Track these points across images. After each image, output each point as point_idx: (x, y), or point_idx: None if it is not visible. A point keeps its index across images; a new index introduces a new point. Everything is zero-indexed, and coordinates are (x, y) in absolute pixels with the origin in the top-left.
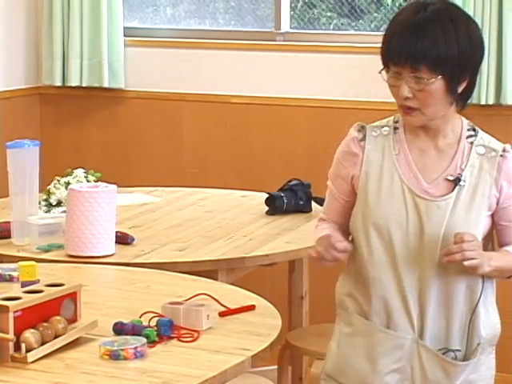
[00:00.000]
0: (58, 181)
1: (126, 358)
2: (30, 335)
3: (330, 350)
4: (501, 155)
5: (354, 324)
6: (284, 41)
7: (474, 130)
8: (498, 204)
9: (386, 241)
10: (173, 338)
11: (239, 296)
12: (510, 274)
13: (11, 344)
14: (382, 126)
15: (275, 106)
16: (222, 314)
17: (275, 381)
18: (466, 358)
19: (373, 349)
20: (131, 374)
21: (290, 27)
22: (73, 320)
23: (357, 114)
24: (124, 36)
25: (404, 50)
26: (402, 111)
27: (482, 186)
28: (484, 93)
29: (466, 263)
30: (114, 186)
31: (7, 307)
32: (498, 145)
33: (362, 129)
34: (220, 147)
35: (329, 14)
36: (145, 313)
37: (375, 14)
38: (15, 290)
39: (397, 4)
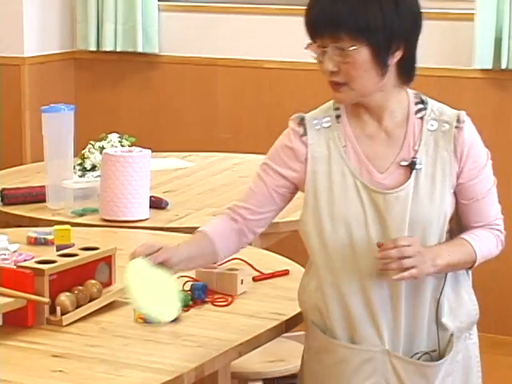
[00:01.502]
0: (93, 145)
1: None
2: (65, 298)
3: (302, 362)
4: (456, 127)
5: (318, 339)
6: None
7: (423, 101)
8: (458, 180)
9: (346, 245)
10: (207, 302)
11: (273, 261)
12: (468, 266)
13: (46, 307)
14: (324, 117)
15: (308, 70)
16: (255, 279)
17: None
18: (441, 356)
19: (340, 366)
20: (165, 338)
21: None
22: (107, 284)
23: None
24: (158, 1)
25: (322, 16)
26: (332, 88)
27: (440, 166)
28: (505, 57)
29: (404, 274)
30: (148, 151)
31: (43, 270)
32: (451, 115)
33: (301, 121)
34: (253, 112)
35: None
36: (179, 277)
37: None
38: (50, 253)
39: None
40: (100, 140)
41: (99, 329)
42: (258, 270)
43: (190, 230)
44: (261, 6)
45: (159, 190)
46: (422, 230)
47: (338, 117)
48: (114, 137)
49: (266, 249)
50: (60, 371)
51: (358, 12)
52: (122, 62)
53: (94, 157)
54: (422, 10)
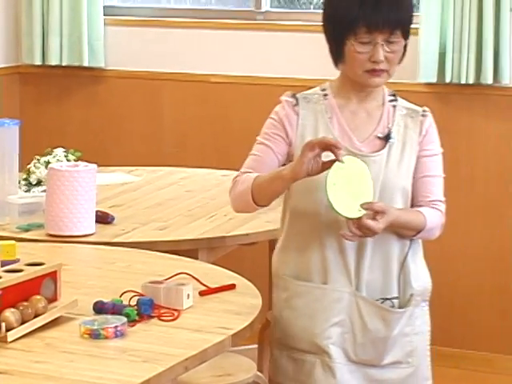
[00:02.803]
0: (38, 160)
1: (106, 337)
2: (10, 314)
3: (273, 319)
4: (422, 115)
5: (290, 288)
6: (264, 20)
7: (394, 95)
8: (416, 157)
9: (327, 198)
10: (153, 317)
11: (220, 275)
12: (417, 229)
13: None
14: (312, 94)
15: (255, 85)
16: (202, 293)
17: (255, 360)
18: (401, 307)
19: (311, 306)
20: (111, 353)
21: (271, 6)
22: (53, 299)
23: None
24: (104, 15)
25: (387, 17)
26: (369, 75)
27: (409, 143)
28: (464, 72)
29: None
30: (94, 166)
31: None
32: (417, 107)
33: (293, 95)
34: (200, 126)
35: None
36: (125, 292)
37: None
38: None
39: None
40: (45, 155)
41: (44, 345)
42: (204, 285)
43: (137, 245)
44: (206, 20)
45: (105, 204)
46: (390, 192)
47: (325, 95)
48: (59, 151)
49: (213, 263)
50: None
51: (407, 12)
52: (67, 77)
53: (39, 171)
54: None
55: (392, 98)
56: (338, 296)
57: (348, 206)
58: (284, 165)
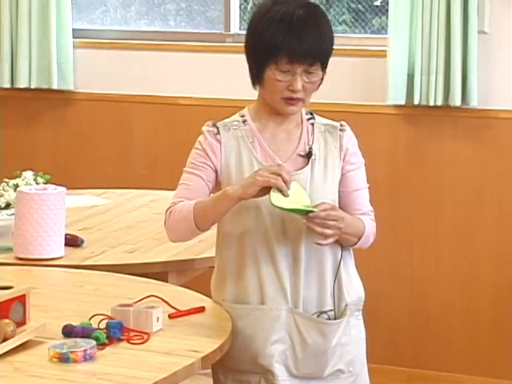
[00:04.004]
0: (7, 183)
1: (75, 361)
2: None
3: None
4: (340, 129)
5: (229, 312)
6: (233, 42)
7: (312, 113)
8: (342, 170)
9: (258, 219)
10: (122, 340)
11: (189, 298)
12: (356, 237)
13: None
14: (232, 121)
15: (224, 107)
16: (171, 316)
17: None
18: (337, 318)
19: (251, 327)
20: (81, 377)
21: (240, 29)
22: (22, 323)
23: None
24: (73, 37)
25: (309, 50)
26: (285, 103)
27: (331, 158)
28: (432, 94)
29: (328, 239)
30: (63, 189)
31: None
32: (335, 122)
33: (214, 125)
34: (170, 148)
35: None
36: (94, 315)
37: None
38: None
39: (349, 5)
40: (14, 178)
41: (13, 369)
42: (173, 307)
43: (106, 268)
44: (175, 42)
45: (75, 227)
46: None
47: (244, 121)
48: (28, 174)
49: (183, 285)
50: None
51: (329, 45)
52: (36, 99)
53: (8, 194)
54: (335, 47)
55: (309, 116)
56: (276, 314)
57: (299, 210)
58: (213, 193)
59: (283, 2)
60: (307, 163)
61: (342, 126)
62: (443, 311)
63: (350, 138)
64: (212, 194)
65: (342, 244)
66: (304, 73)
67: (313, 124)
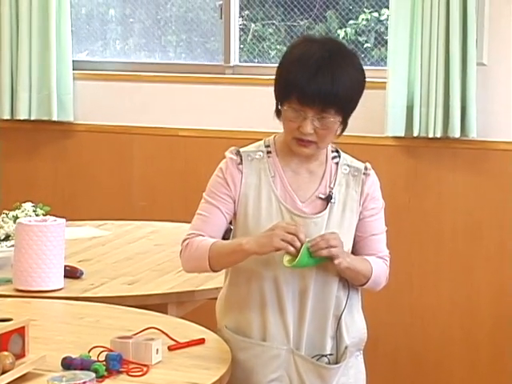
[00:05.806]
0: (6, 215)
1: None
2: None
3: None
4: (364, 173)
5: (230, 341)
6: (233, 74)
7: (338, 151)
8: (360, 215)
9: (269, 260)
10: (122, 372)
11: (189, 330)
12: (364, 280)
13: None
14: (256, 151)
15: (223, 138)
16: (171, 348)
17: None
18: (337, 362)
19: (251, 361)
20: None
21: (240, 60)
22: (21, 355)
23: None
24: (73, 69)
25: (318, 93)
26: (297, 143)
27: (350, 203)
28: (432, 126)
29: (331, 250)
30: (63, 220)
31: None
32: (359, 164)
33: (238, 153)
34: (169, 180)
35: (278, 47)
36: (94, 347)
37: None
38: None
39: (349, 37)
40: (14, 209)
41: None
42: (173, 339)
43: (106, 300)
44: (175, 74)
45: (74, 259)
46: None
47: (268, 152)
48: (28, 206)
49: (182, 317)
50: None
51: (348, 91)
52: (36, 131)
53: (7, 226)
54: None
55: (335, 154)
56: (276, 353)
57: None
58: (230, 222)
59: (312, 41)
60: (326, 207)
61: (366, 169)
62: (443, 341)
63: (372, 183)
64: (228, 239)
65: (349, 285)
66: (316, 116)
67: (337, 163)
